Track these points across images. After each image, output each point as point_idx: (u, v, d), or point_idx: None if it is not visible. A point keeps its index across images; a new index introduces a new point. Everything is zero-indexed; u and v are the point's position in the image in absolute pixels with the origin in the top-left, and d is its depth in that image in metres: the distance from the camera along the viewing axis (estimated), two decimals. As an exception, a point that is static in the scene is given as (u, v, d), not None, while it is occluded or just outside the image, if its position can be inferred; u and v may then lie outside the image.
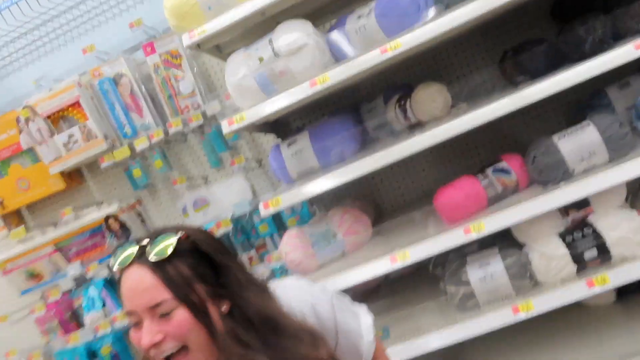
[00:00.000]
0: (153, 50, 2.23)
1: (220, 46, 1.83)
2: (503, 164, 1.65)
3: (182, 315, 0.86)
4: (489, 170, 1.64)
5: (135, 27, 2.17)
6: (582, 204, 1.57)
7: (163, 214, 2.51)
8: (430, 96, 1.76)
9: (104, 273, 2.37)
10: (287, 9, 1.64)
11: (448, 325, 1.60)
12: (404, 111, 1.84)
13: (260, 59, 1.55)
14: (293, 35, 1.52)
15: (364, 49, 1.56)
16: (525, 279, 1.57)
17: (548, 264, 1.53)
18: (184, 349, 0.88)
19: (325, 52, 1.57)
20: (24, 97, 2.33)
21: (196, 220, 2.45)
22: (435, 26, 1.46)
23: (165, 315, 0.86)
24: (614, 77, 1.67)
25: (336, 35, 1.61)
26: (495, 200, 1.63)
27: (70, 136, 2.28)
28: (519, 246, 1.64)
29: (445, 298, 1.68)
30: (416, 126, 1.81)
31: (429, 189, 2.02)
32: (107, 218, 2.38)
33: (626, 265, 1.49)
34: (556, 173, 1.54)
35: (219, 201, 2.44)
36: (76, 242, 2.48)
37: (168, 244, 0.89)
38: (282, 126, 2.19)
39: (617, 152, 1.51)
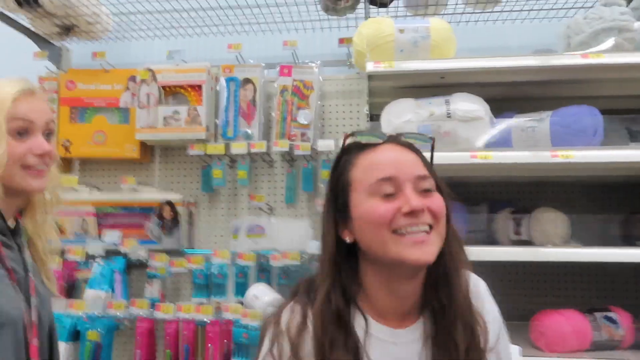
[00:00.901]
0: (289, 74, 2.27)
1: (375, 91, 1.85)
2: (613, 314, 1.58)
3: (439, 198, 0.84)
4: (598, 315, 1.57)
5: (288, 46, 2.22)
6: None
7: (212, 225, 2.38)
8: (556, 219, 1.75)
9: (136, 254, 2.20)
10: (463, 85, 1.68)
11: None
12: (518, 224, 1.82)
13: (432, 113, 1.56)
14: (473, 105, 1.55)
15: (523, 147, 1.58)
16: None
17: None
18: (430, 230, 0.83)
19: (491, 133, 1.59)
20: (147, 62, 2.32)
21: (244, 244, 2.32)
22: (612, 153, 1.48)
23: (426, 192, 0.83)
24: None
25: (502, 124, 1.63)
26: (597, 348, 1.54)
27: (175, 112, 2.24)
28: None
29: None
30: (524, 243, 1.79)
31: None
32: (164, 203, 2.27)
33: None
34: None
35: (276, 235, 2.33)
36: (118, 214, 2.34)
37: (423, 139, 0.91)
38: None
39: None
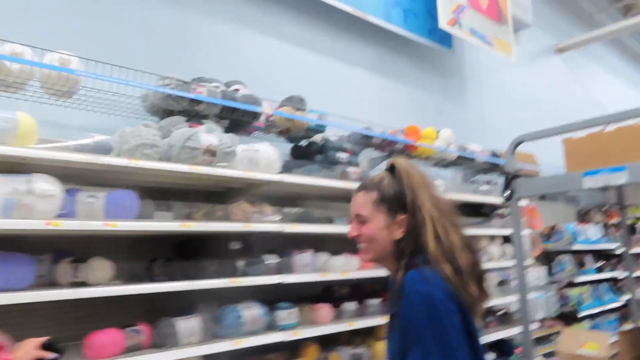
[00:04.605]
0: None
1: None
2: (138, 327, 2.42)
3: None
4: (129, 329, 2.37)
5: None
6: (175, 366, 2.45)
7: None
8: (103, 266, 2.46)
9: None
10: (43, 167, 2.20)
11: None
12: (76, 270, 2.44)
13: (14, 189, 2.01)
14: (49, 185, 2.10)
15: (86, 217, 2.25)
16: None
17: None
18: None
19: (62, 206, 2.17)
20: None
21: None
22: (142, 224, 2.33)
23: None
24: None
25: (70, 198, 2.24)
26: (129, 350, 2.32)
27: None
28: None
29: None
30: (80, 284, 2.42)
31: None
32: None
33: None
34: (171, 340, 2.42)
35: None
36: None
37: None
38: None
39: (206, 336, 2.54)
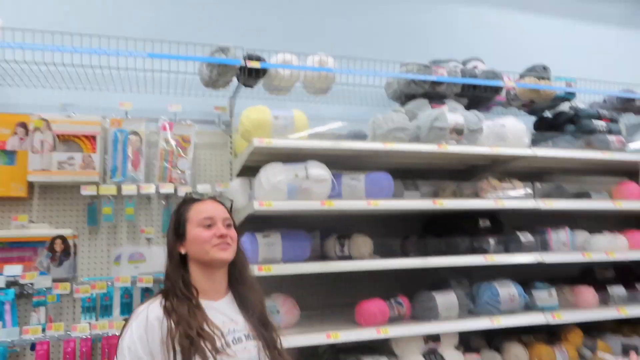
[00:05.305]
0: (171, 129, 2.83)
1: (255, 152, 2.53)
2: (399, 299, 2.59)
3: (234, 231, 1.62)
4: (392, 300, 2.56)
5: (172, 109, 2.80)
6: (436, 338, 2.55)
7: (92, 254, 2.76)
8: (365, 242, 2.69)
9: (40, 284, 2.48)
10: (313, 155, 2.52)
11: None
12: (342, 245, 2.72)
13: (296, 174, 2.35)
14: (321, 171, 2.39)
15: (349, 197, 2.50)
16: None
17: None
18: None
19: (331, 189, 2.45)
20: (35, 110, 2.63)
21: (125, 270, 2.77)
22: (398, 203, 2.49)
23: (228, 226, 1.60)
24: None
25: (336, 181, 2.51)
26: (392, 320, 2.51)
27: (70, 158, 2.59)
28: (395, 356, 2.50)
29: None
30: (346, 258, 2.69)
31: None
32: (56, 237, 2.59)
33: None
34: (430, 313, 2.53)
35: (155, 261, 2.83)
36: (4, 248, 2.54)
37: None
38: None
39: (462, 312, 2.59)
